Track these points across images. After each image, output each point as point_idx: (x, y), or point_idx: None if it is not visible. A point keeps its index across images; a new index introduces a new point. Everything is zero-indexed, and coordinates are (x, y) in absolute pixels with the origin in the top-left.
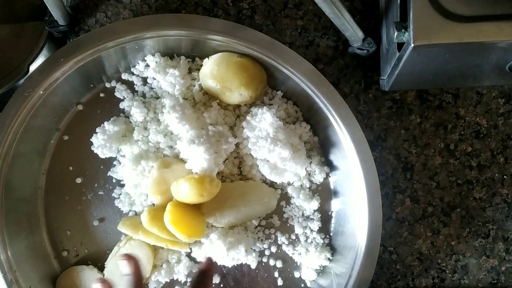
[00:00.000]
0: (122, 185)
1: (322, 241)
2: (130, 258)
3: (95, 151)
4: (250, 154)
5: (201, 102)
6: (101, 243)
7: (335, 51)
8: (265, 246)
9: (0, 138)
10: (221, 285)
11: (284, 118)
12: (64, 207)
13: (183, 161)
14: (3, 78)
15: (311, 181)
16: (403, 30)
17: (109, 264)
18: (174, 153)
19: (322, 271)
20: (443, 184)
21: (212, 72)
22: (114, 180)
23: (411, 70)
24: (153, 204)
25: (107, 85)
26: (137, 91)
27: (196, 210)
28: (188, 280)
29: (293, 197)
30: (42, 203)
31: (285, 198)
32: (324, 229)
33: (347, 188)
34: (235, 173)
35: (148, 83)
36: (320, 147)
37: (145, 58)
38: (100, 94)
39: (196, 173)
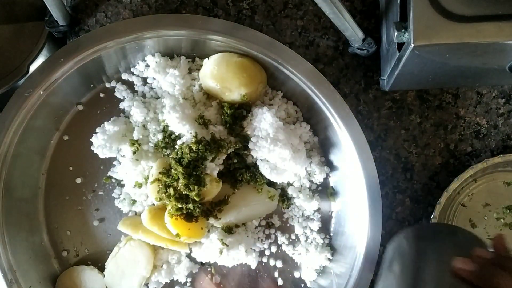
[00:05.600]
0: (122, 185)
1: (322, 241)
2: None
3: (95, 151)
4: (250, 154)
5: (201, 102)
6: (101, 243)
7: (335, 51)
8: (265, 246)
9: (0, 138)
10: (221, 285)
11: (284, 118)
12: (64, 207)
13: None
14: (3, 78)
15: (311, 181)
16: (403, 30)
17: (109, 264)
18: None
19: (322, 271)
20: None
21: (212, 72)
22: (114, 180)
23: (411, 70)
24: (153, 204)
25: (107, 85)
26: (137, 91)
27: None
28: (188, 280)
29: (293, 197)
30: (42, 203)
31: (285, 198)
32: (324, 229)
33: (347, 188)
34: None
35: (148, 83)
36: (320, 147)
37: (145, 58)
38: (100, 94)
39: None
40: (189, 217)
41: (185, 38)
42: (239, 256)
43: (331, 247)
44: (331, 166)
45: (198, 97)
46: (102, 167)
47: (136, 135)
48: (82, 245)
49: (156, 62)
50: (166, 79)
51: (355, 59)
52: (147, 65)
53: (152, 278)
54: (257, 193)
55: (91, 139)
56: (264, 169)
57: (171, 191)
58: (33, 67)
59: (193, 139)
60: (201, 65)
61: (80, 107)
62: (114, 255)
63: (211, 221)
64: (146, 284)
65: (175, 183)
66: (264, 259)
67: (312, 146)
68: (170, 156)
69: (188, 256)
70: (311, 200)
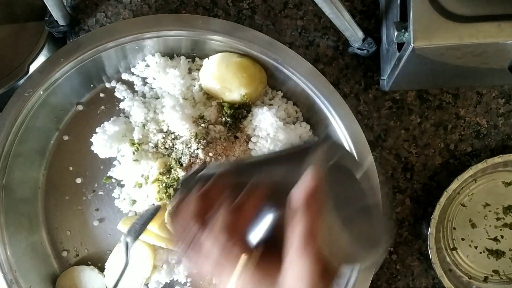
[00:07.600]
0: (122, 185)
1: None
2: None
3: (95, 151)
4: (250, 154)
5: (201, 102)
6: (101, 243)
7: (335, 51)
8: None
9: (0, 138)
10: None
11: (284, 118)
12: (64, 207)
13: None
14: (3, 78)
15: None
16: (403, 30)
17: (109, 264)
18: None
19: None
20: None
21: (212, 72)
22: (114, 180)
23: (411, 70)
24: (153, 204)
25: (107, 85)
26: (137, 91)
27: None
28: (188, 280)
29: None
30: (42, 203)
31: None
32: None
33: None
34: None
35: (148, 83)
36: None
37: (145, 58)
38: (100, 94)
39: None
40: None
41: (185, 38)
42: None
43: None
44: None
45: (198, 97)
46: (102, 167)
47: (136, 135)
48: (82, 245)
49: (156, 62)
50: (166, 79)
51: (355, 59)
52: (147, 65)
53: (152, 278)
54: None
55: (91, 139)
56: None
57: (171, 191)
58: (33, 67)
59: (193, 139)
60: (201, 65)
61: (80, 107)
62: (114, 255)
63: None
64: (146, 284)
65: (175, 183)
66: None
67: None
68: (170, 156)
69: None
70: None
